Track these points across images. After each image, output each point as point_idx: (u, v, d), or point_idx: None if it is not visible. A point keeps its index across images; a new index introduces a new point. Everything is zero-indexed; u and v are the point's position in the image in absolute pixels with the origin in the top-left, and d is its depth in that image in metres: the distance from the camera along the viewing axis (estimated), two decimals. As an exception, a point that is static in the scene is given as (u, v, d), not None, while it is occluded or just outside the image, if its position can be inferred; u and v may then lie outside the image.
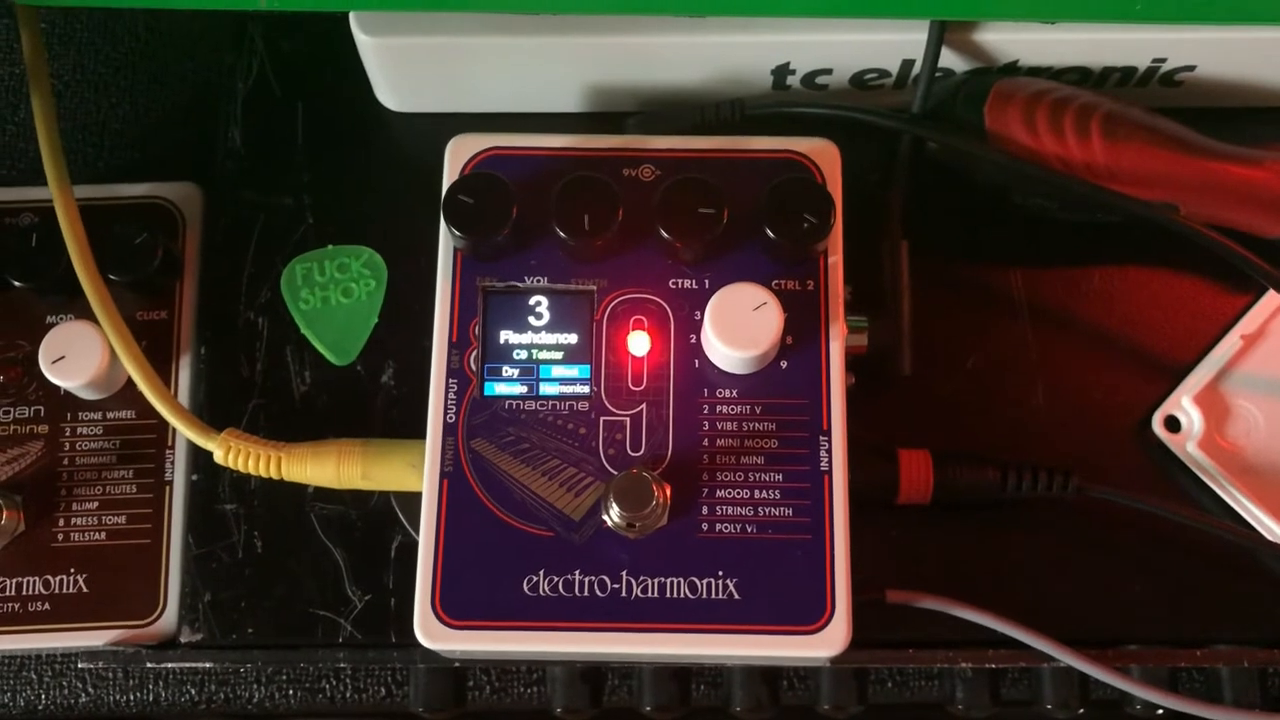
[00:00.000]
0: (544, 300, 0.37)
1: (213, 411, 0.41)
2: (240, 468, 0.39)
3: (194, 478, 0.41)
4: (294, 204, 0.43)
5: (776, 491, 0.36)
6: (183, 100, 0.46)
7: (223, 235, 0.43)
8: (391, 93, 0.44)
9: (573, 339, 0.37)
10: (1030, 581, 0.40)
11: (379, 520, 0.40)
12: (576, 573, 0.35)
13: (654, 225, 0.36)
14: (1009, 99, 0.40)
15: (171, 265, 0.43)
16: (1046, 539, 0.40)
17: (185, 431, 0.39)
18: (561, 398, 0.36)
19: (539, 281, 0.37)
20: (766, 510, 0.36)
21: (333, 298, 0.42)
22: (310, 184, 0.44)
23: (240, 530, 0.41)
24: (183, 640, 0.40)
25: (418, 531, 0.36)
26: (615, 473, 0.35)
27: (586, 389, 0.36)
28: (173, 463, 0.41)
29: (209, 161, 0.44)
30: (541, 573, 0.35)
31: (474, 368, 0.37)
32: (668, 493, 0.35)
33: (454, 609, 0.35)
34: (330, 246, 0.43)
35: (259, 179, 0.43)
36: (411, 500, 0.37)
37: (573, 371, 0.37)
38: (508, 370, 0.37)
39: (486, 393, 0.36)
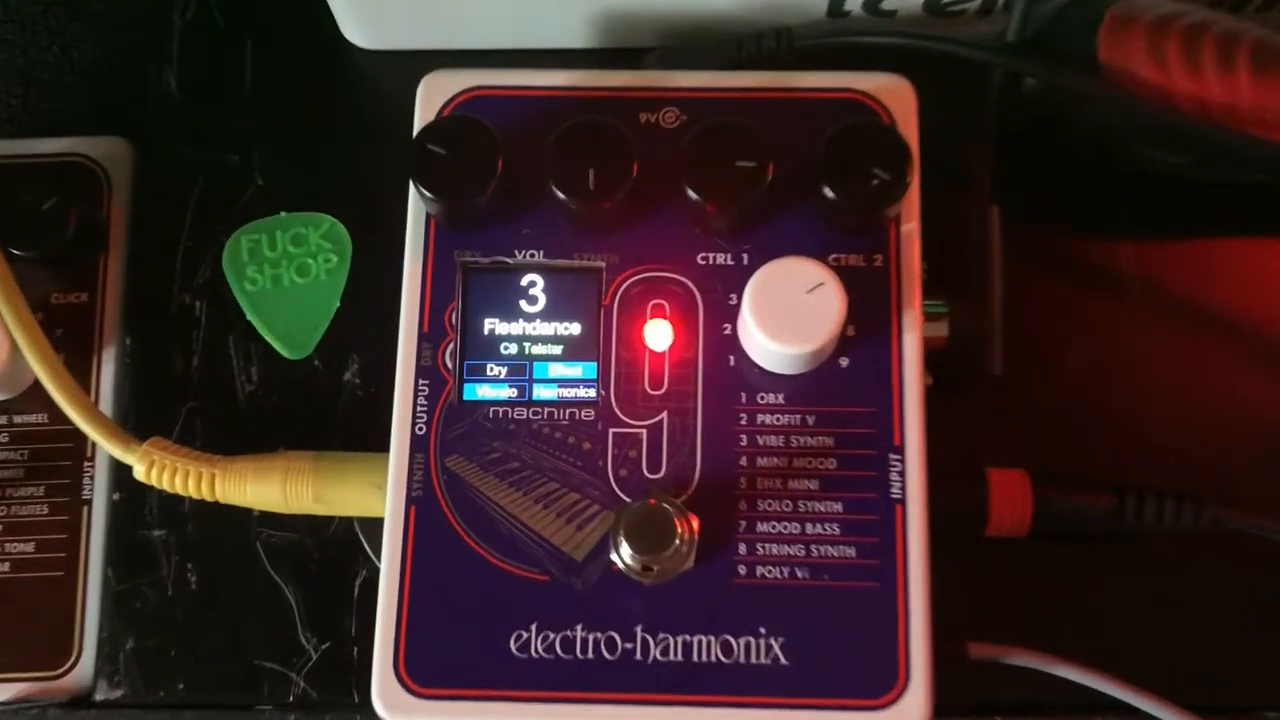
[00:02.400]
0: (539, 280, 0.32)
1: (140, 416, 0.38)
2: (166, 486, 0.34)
3: (116, 497, 0.37)
4: (240, 162, 0.40)
5: (835, 525, 0.31)
6: (119, 40, 0.42)
7: (154, 200, 0.40)
8: (359, 25, 0.40)
9: (575, 329, 0.32)
10: (1148, 633, 0.36)
11: (340, 551, 0.37)
12: (578, 628, 0.30)
13: (678, 184, 0.31)
14: (1130, 24, 0.34)
15: (93, 237, 0.39)
16: (1170, 581, 0.36)
17: (99, 440, 0.34)
18: (561, 404, 0.32)
19: (532, 256, 0.32)
20: (822, 549, 0.31)
21: (285, 277, 0.38)
22: (260, 138, 0.40)
23: (171, 562, 0.37)
24: (99, 697, 0.36)
25: (386, 563, 0.32)
26: (628, 500, 0.31)
27: (592, 393, 0.32)
28: (92, 478, 0.37)
29: (139, 112, 0.40)
30: (534, 627, 0.30)
31: (450, 365, 0.32)
32: (695, 527, 0.30)
33: (422, 673, 0.30)
34: (283, 214, 0.39)
35: (198, 132, 0.40)
36: (380, 527, 0.33)
37: (575, 370, 0.32)
38: (493, 369, 0.32)
39: (466, 397, 0.32)
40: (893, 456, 0.31)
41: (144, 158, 0.40)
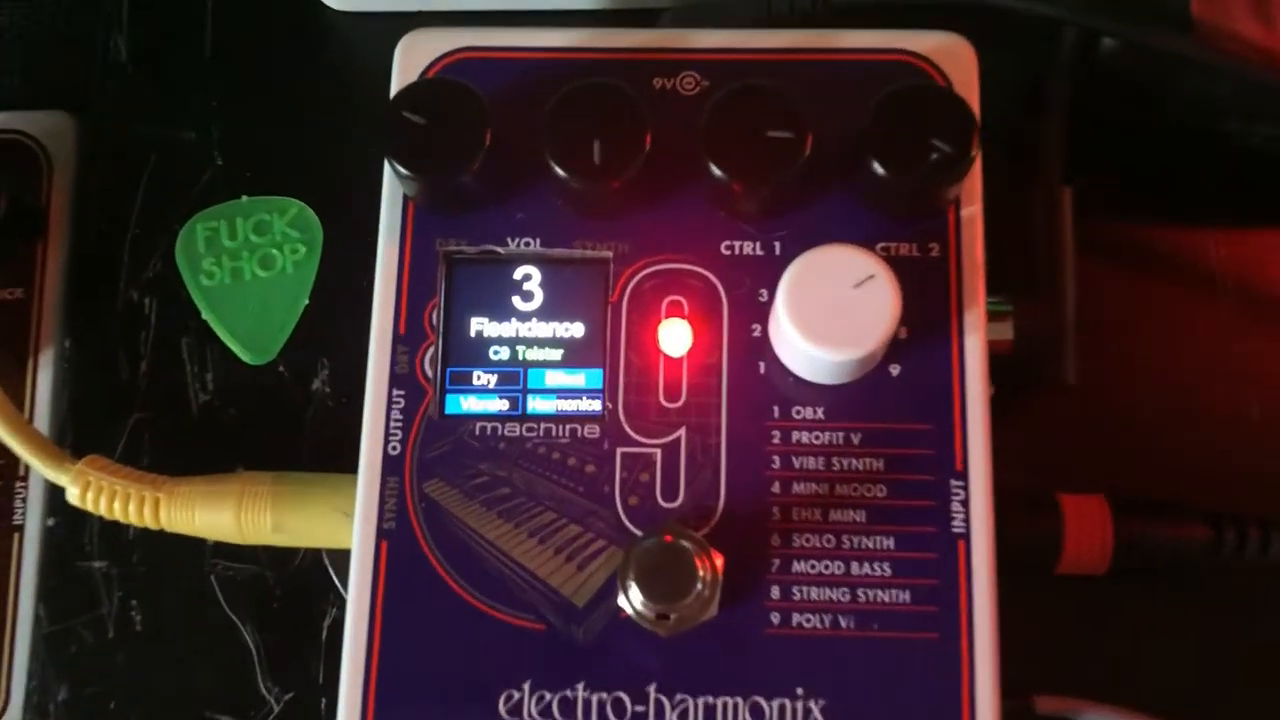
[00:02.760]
0: (535, 273, 0.30)
1: (79, 429, 0.36)
2: (104, 512, 0.32)
3: (51, 523, 0.36)
4: (197, 139, 0.38)
5: (886, 565, 0.28)
6: (60, 2, 0.40)
7: (99, 183, 0.38)
8: None
9: (577, 331, 0.30)
10: (1246, 687, 0.34)
11: (306, 586, 0.35)
12: (580, 687, 0.28)
13: (699, 159, 0.29)
14: (1229, -27, 0.32)
15: (29, 224, 0.37)
16: (1272, 626, 0.34)
17: (26, 457, 0.33)
18: (560, 418, 0.29)
19: (527, 245, 0.30)
20: (871, 594, 0.28)
21: (247, 270, 0.37)
22: (220, 111, 0.38)
23: (112, 598, 0.35)
24: (26, 756, 0.35)
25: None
26: (639, 534, 0.28)
27: (597, 405, 0.29)
28: (25, 501, 0.35)
29: (83, 82, 0.39)
30: (527, 686, 0.28)
31: (430, 373, 0.29)
32: (719, 567, 0.27)
33: (395, 739, 0.28)
34: (245, 199, 0.37)
35: (150, 105, 0.39)
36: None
37: (577, 379, 0.29)
38: (481, 377, 0.30)
39: (449, 410, 0.29)
40: (954, 483, 0.28)
41: (88, 134, 0.39)
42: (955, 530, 0.28)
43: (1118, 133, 0.36)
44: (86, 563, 0.35)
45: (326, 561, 0.34)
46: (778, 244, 0.29)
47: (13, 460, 0.35)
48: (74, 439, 0.35)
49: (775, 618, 0.28)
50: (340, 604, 0.34)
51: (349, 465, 0.31)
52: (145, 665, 0.34)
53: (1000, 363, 0.30)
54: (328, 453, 0.35)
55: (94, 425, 0.36)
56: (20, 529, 0.35)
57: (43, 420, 0.35)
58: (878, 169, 0.28)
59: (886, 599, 0.28)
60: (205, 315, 0.36)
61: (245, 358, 0.36)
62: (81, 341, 0.37)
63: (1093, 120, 0.35)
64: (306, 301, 0.36)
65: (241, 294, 0.36)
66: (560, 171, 0.28)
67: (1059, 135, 0.34)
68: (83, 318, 0.37)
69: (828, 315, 0.27)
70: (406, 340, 0.29)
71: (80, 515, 0.33)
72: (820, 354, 0.27)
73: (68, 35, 0.39)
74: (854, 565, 0.28)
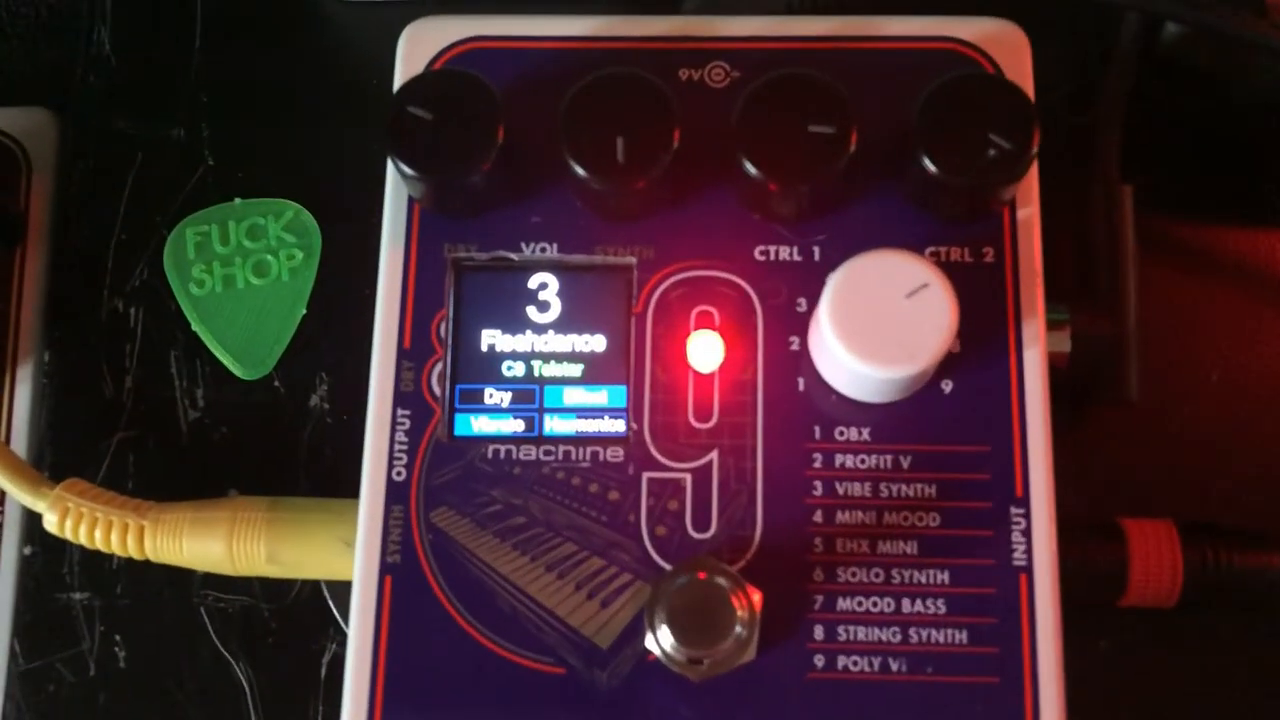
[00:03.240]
0: (552, 281, 0.29)
1: (59, 450, 0.35)
2: (84, 541, 0.31)
3: (28, 551, 0.35)
4: (186, 137, 0.37)
5: (940, 602, 0.26)
6: None
7: (82, 184, 0.37)
8: None
9: (598, 344, 0.28)
10: None
11: (303, 619, 0.34)
12: None
13: (732, 156, 0.27)
14: (1306, -48, 0.31)
15: (7, 229, 0.36)
16: None
17: (2, 481, 0.32)
18: (580, 440, 0.28)
19: (543, 251, 0.29)
20: (924, 633, 0.26)
21: (240, 277, 0.36)
22: (211, 108, 0.37)
23: (94, 633, 0.34)
24: (1, 805, 0.33)
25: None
26: (667, 568, 0.27)
27: (621, 426, 0.28)
28: (0, 527, 0.34)
29: (65, 77, 0.38)
30: None
31: (438, 391, 0.28)
32: (756, 604, 0.25)
33: (401, 793, 0.26)
34: (238, 201, 0.37)
35: (136, 101, 0.37)
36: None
37: (599, 397, 0.28)
38: (493, 395, 0.28)
39: (458, 432, 0.28)
40: (1014, 511, 0.27)
41: (70, 133, 0.38)
42: (1016, 564, 0.26)
43: (1181, 127, 0.35)
44: (66, 594, 0.34)
45: (326, 593, 0.33)
46: (817, 249, 0.28)
47: (-13, 484, 0.33)
48: (53, 460, 0.34)
49: (819, 660, 0.26)
50: (340, 639, 0.32)
51: (350, 489, 0.30)
52: (129, 705, 0.33)
53: (1056, 376, 0.29)
54: (326, 475, 0.34)
55: (74, 445, 0.35)
56: (-5, 558, 0.33)
57: (19, 440, 0.34)
58: (930, 167, 0.26)
59: (941, 639, 0.26)
60: (195, 326, 0.35)
61: (238, 372, 0.35)
62: (62, 355, 0.36)
63: (1154, 113, 0.34)
64: (304, 311, 0.35)
65: (234, 303, 0.36)
66: (580, 171, 0.27)
67: (1118, 129, 0.33)
68: (63, 329, 0.36)
69: (877, 328, 0.25)
70: (412, 355, 0.28)
71: (60, 543, 0.32)
72: (868, 370, 0.25)
73: (48, 26, 0.39)
74: (905, 602, 0.26)
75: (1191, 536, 0.30)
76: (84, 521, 0.30)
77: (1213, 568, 0.30)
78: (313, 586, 0.33)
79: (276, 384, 0.35)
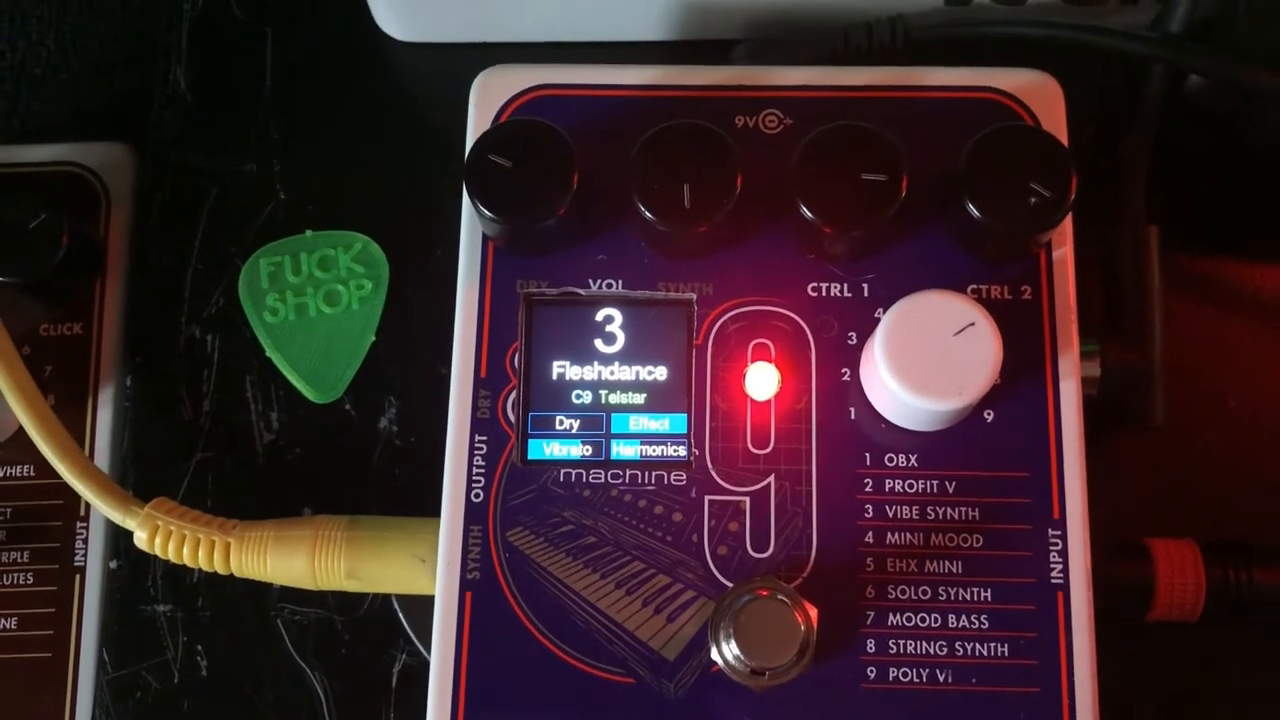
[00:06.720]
0: (618, 315, 0.29)
1: (141, 470, 0.35)
2: (172, 557, 0.31)
3: (114, 565, 0.35)
4: (259, 172, 0.37)
5: (984, 617, 0.27)
6: (120, 31, 0.40)
7: (159, 217, 0.37)
8: (397, 14, 0.38)
9: (661, 374, 0.29)
10: None
11: (375, 631, 0.34)
12: None
13: (787, 199, 0.28)
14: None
15: (88, 259, 0.36)
16: None
17: (93, 500, 0.32)
18: (645, 464, 0.28)
19: (609, 287, 0.29)
20: (969, 646, 0.27)
21: (312, 306, 0.36)
22: (282, 144, 0.38)
23: (178, 643, 0.34)
24: (91, 804, 0.34)
25: (430, 648, 0.28)
26: (728, 584, 0.27)
27: (683, 451, 0.28)
28: (85, 542, 0.34)
29: (143, 114, 0.38)
30: None
31: (512, 418, 0.29)
32: (814, 620, 0.26)
33: (480, 796, 0.27)
34: (309, 233, 0.37)
35: (211, 137, 0.38)
36: (422, 604, 0.30)
37: (662, 424, 0.29)
38: (564, 422, 0.29)
39: (531, 456, 0.29)
40: (1052, 532, 0.27)
41: (148, 167, 0.38)
42: (1054, 581, 0.27)
43: (1204, 169, 0.35)
44: (150, 606, 0.34)
45: (396, 605, 0.33)
46: (865, 285, 0.29)
47: (72, 500, 0.34)
48: (135, 480, 0.34)
49: (871, 672, 0.27)
50: (409, 649, 0.33)
51: (418, 506, 0.31)
52: (211, 711, 0.33)
53: (1087, 404, 0.29)
54: (395, 494, 0.34)
55: (156, 466, 0.35)
56: (81, 570, 0.34)
57: (103, 460, 0.35)
58: (975, 213, 0.27)
59: (985, 652, 0.27)
60: (269, 352, 0.36)
61: (310, 396, 0.35)
62: (143, 379, 0.36)
63: (1178, 157, 0.34)
64: (373, 338, 0.35)
65: (306, 330, 0.36)
66: (649, 215, 0.27)
67: (1143, 173, 0.33)
68: (143, 355, 0.36)
69: (927, 363, 0.26)
70: (488, 384, 0.29)
71: (144, 557, 0.33)
72: (921, 403, 0.26)
73: (126, 65, 0.39)
74: (951, 618, 0.27)
75: (1214, 555, 0.31)
76: (173, 539, 0.31)
77: (1233, 584, 0.30)
78: (384, 600, 0.33)
79: (347, 407, 0.35)
